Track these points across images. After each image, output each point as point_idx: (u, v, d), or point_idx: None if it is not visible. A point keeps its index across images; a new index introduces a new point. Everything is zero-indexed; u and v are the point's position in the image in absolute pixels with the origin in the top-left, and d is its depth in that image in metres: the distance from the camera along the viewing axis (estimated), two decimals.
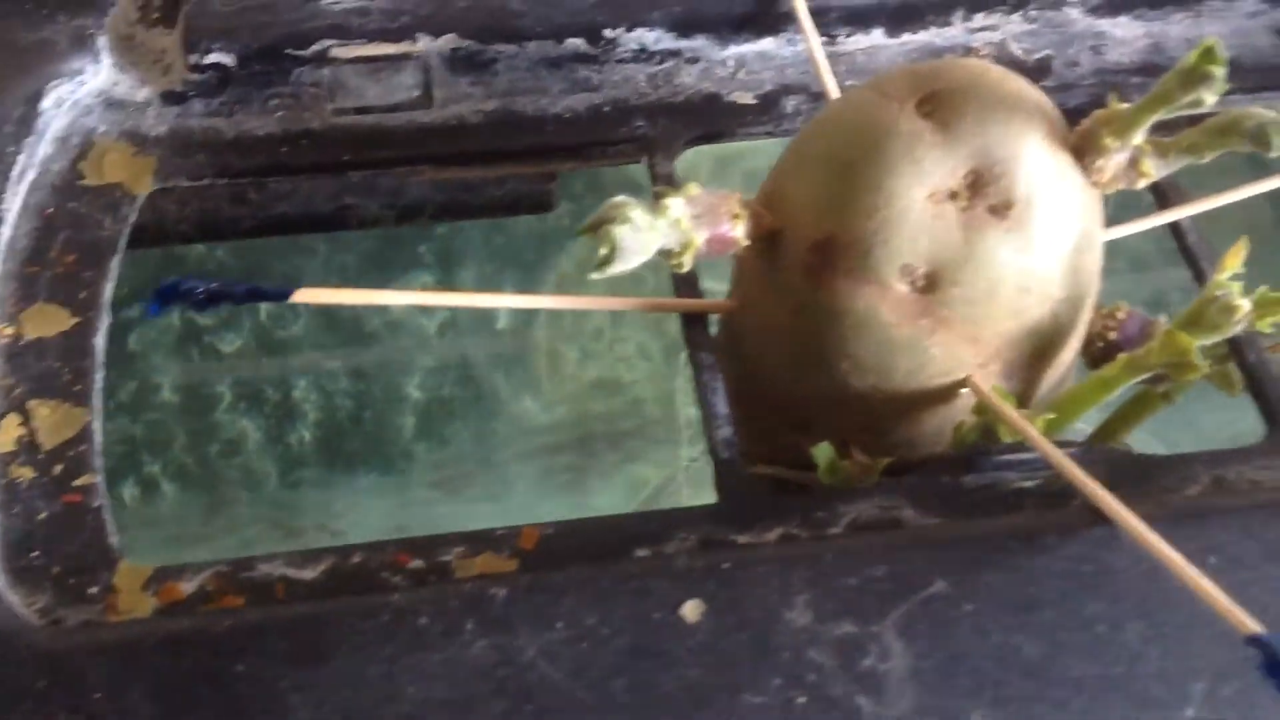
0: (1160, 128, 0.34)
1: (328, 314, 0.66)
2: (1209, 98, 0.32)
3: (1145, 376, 0.35)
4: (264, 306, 0.66)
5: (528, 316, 0.67)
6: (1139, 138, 0.34)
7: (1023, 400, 0.36)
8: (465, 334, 0.66)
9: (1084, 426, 0.44)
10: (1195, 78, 0.31)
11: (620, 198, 0.31)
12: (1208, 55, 0.31)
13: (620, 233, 0.30)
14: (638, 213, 0.31)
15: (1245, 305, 0.34)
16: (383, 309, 0.66)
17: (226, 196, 0.51)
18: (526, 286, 0.66)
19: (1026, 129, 0.33)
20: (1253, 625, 0.27)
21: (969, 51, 0.43)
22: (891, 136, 0.33)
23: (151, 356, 0.65)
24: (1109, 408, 0.40)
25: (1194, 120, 0.34)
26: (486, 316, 0.66)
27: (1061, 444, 0.34)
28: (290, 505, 0.63)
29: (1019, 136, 0.33)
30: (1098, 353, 0.38)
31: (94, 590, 0.31)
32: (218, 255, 0.67)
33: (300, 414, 0.65)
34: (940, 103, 0.33)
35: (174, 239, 0.55)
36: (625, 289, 0.46)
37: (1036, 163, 0.33)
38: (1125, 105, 0.33)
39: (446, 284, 0.67)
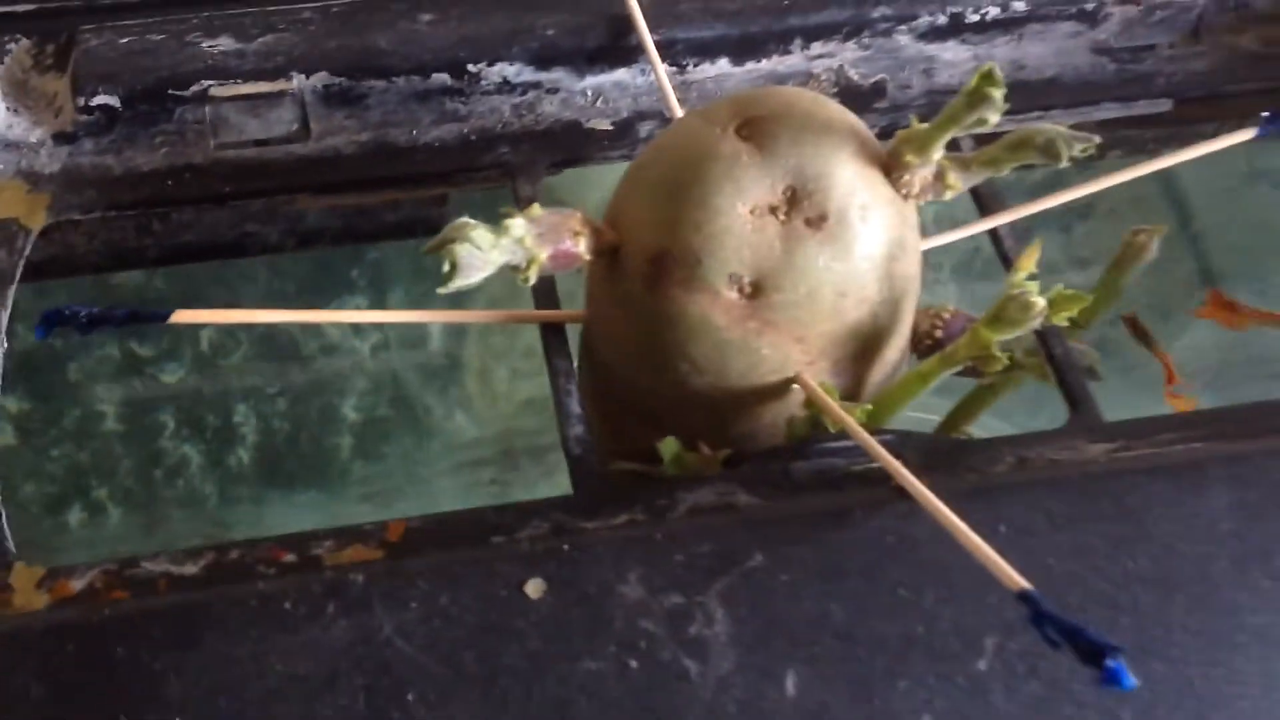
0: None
1: (266, 340, 0.69)
2: (992, 117, 0.35)
3: (957, 369, 0.39)
4: (205, 335, 0.69)
5: (459, 337, 0.70)
6: (938, 153, 0.37)
7: (853, 395, 0.40)
8: (398, 355, 0.69)
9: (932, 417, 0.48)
10: (978, 99, 0.35)
11: (463, 219, 0.34)
12: (987, 79, 0.35)
13: (461, 250, 0.34)
14: (479, 233, 0.34)
15: (1041, 303, 0.37)
16: (318, 332, 0.69)
17: (132, 228, 0.53)
18: (456, 306, 0.68)
19: (838, 148, 0.37)
20: (1021, 582, 0.30)
21: (810, 76, 0.47)
22: (714, 159, 0.37)
23: (94, 386, 0.67)
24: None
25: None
26: (419, 338, 0.69)
27: (878, 433, 0.37)
28: (228, 523, 0.66)
29: (830, 155, 0.37)
30: (925, 350, 0.42)
31: None
32: (156, 284, 0.70)
33: (239, 437, 0.68)
34: (758, 127, 0.37)
35: (84, 269, 0.57)
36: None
37: (847, 179, 0.37)
38: (924, 125, 0.37)
39: (378, 306, 0.69)
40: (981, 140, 0.41)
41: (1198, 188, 0.72)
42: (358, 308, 0.69)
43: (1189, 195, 0.72)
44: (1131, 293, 0.60)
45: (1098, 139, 0.37)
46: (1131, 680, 0.28)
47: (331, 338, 0.69)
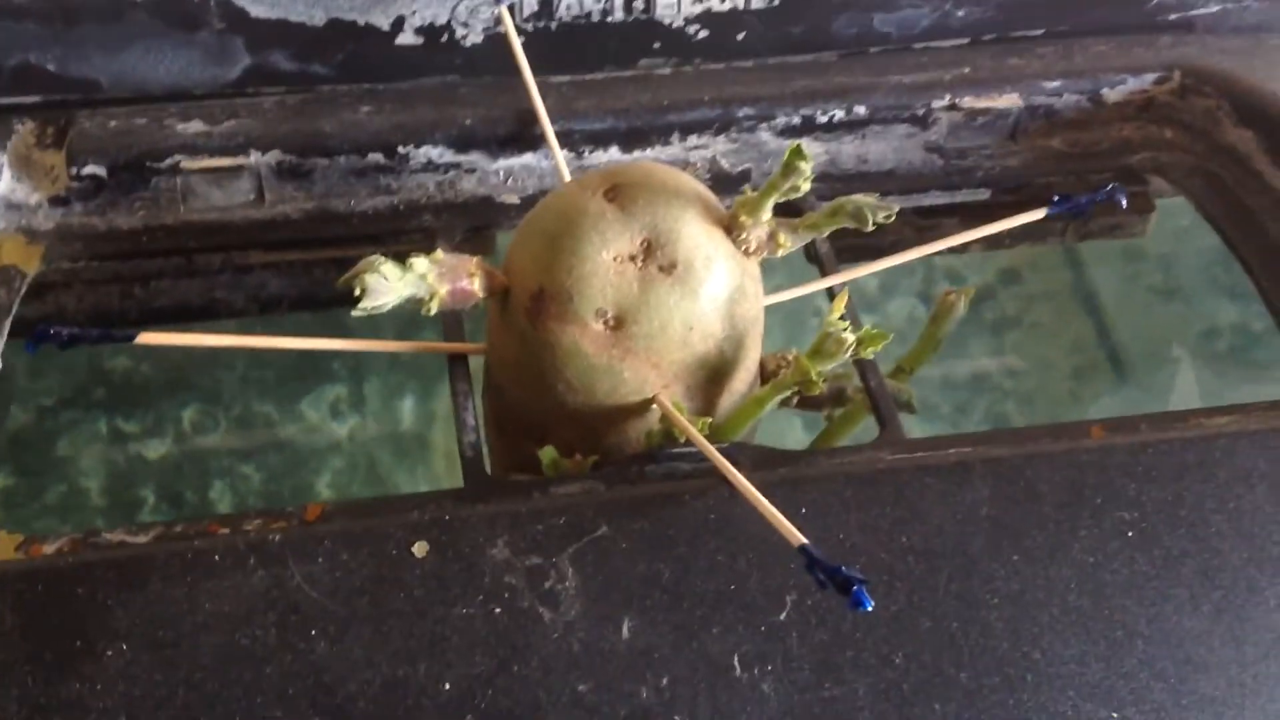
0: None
1: (245, 421, 0.74)
2: (803, 185, 0.44)
3: (786, 394, 0.47)
4: (186, 415, 0.74)
5: (428, 421, 0.76)
6: (767, 214, 0.46)
7: (706, 415, 0.48)
8: (372, 437, 0.75)
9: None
10: (790, 170, 0.44)
11: (375, 256, 0.43)
12: (796, 153, 0.44)
13: (370, 279, 0.42)
14: (388, 266, 0.43)
15: (850, 338, 0.45)
16: (296, 417, 0.75)
17: (116, 293, 0.61)
18: (428, 393, 0.75)
19: (686, 210, 0.45)
20: (801, 538, 0.38)
21: (687, 164, 0.56)
22: (584, 215, 0.45)
23: (80, 461, 0.73)
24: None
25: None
26: (391, 422, 0.75)
27: (718, 443, 0.45)
28: None
29: (680, 214, 0.45)
30: None
31: None
32: (143, 370, 0.76)
33: (216, 513, 0.72)
34: (621, 191, 0.46)
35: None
36: None
37: (694, 234, 0.45)
38: (754, 193, 0.46)
39: (356, 395, 0.75)
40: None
41: (1109, 295, 0.83)
42: (337, 396, 0.76)
43: (1104, 301, 0.83)
44: (1053, 378, 0.71)
45: (897, 207, 0.45)
46: (870, 602, 0.35)
47: (310, 421, 0.75)
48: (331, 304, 0.64)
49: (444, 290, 0.45)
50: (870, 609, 0.35)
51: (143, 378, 0.76)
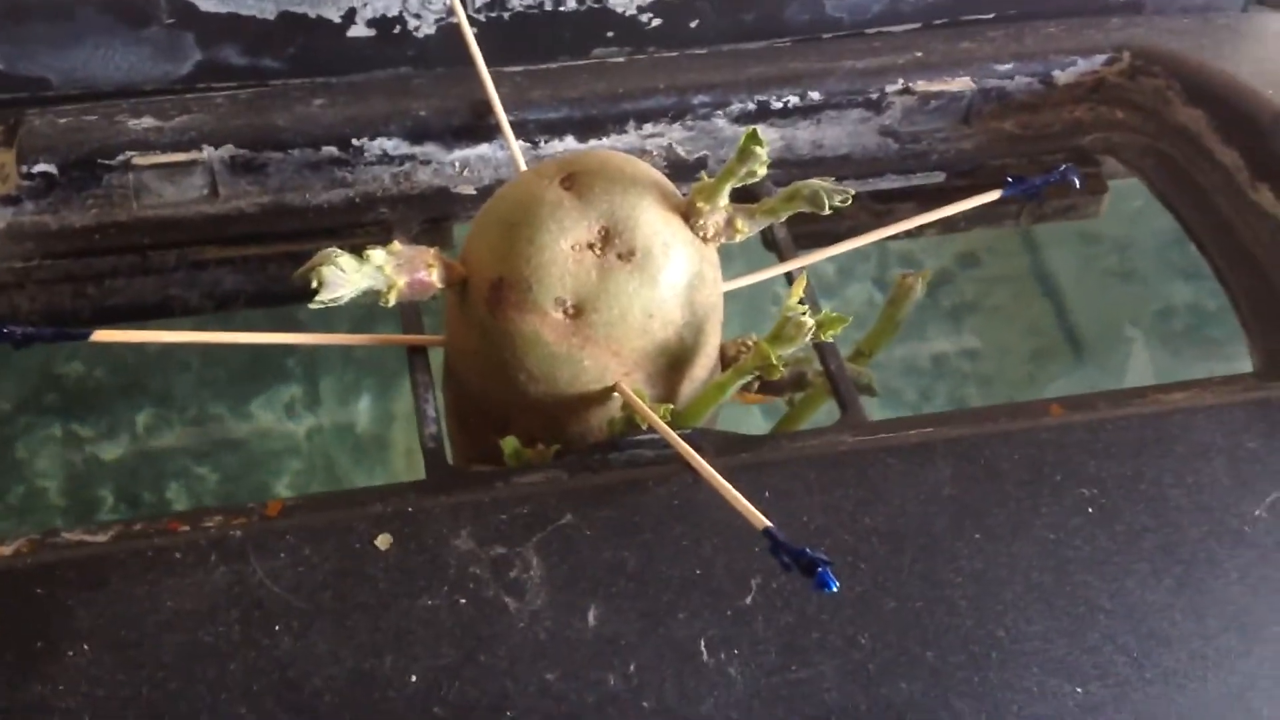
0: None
1: (201, 424, 0.74)
2: (759, 169, 0.44)
3: (747, 379, 0.47)
4: (140, 418, 0.74)
5: (387, 421, 0.76)
6: (724, 201, 0.46)
7: (668, 402, 0.48)
8: (329, 437, 0.74)
9: None
10: (746, 155, 0.44)
11: (332, 249, 0.43)
12: (752, 138, 0.44)
13: (327, 271, 0.42)
14: (344, 259, 0.42)
15: (810, 322, 0.45)
16: (250, 417, 0.75)
17: (69, 292, 0.60)
18: (384, 393, 0.74)
19: (643, 197, 0.45)
20: (765, 521, 0.38)
21: (643, 152, 0.56)
22: (541, 204, 0.45)
23: (37, 463, 0.72)
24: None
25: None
26: (350, 422, 0.75)
27: (682, 431, 0.45)
28: None
29: (636, 203, 0.45)
30: None
31: None
32: (96, 375, 0.75)
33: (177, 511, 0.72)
34: (577, 180, 0.45)
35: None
36: None
37: (652, 221, 0.45)
38: (711, 179, 0.46)
39: (311, 394, 0.75)
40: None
41: (1066, 278, 0.84)
42: (292, 396, 0.76)
43: (1061, 283, 0.84)
44: (1012, 360, 0.72)
45: (853, 191, 0.46)
46: (835, 583, 0.35)
47: (264, 423, 0.75)
48: (288, 300, 0.64)
49: (402, 282, 0.45)
50: (835, 590, 0.35)
51: (96, 382, 0.76)
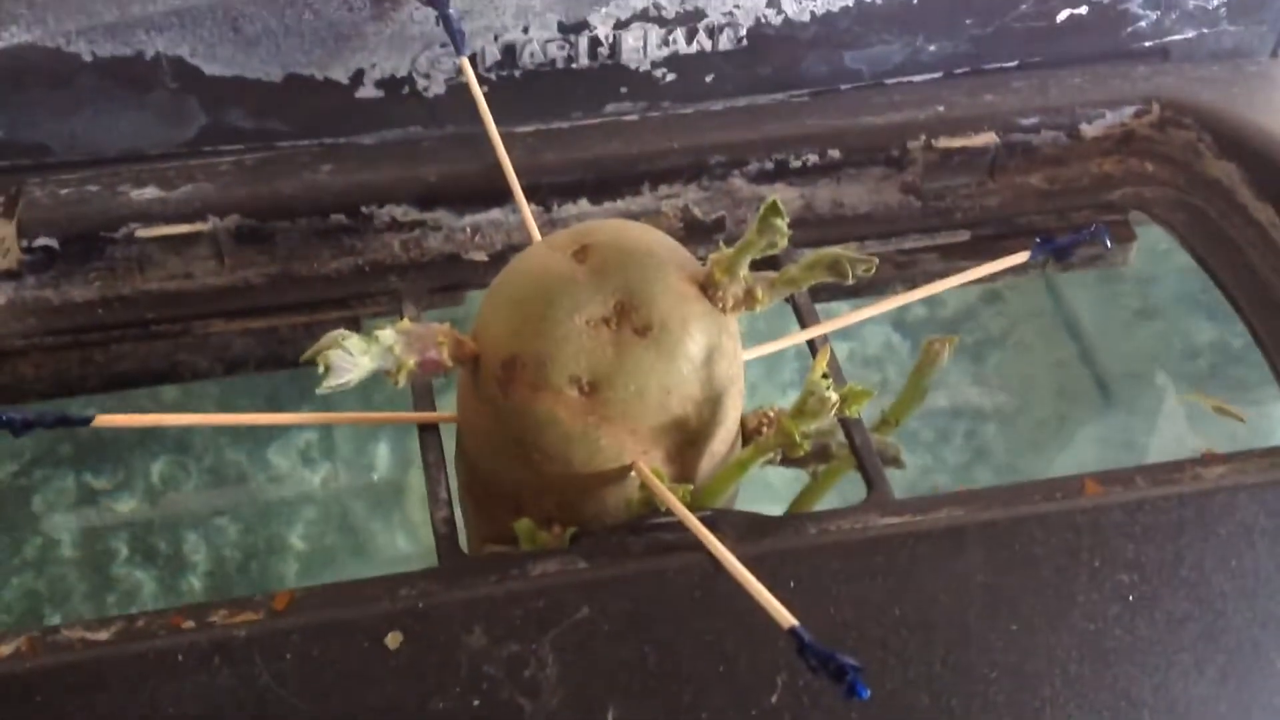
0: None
1: (216, 472, 0.73)
2: (780, 241, 0.43)
3: (769, 456, 0.46)
4: (156, 469, 0.73)
5: (404, 466, 0.75)
6: (743, 271, 0.44)
7: (686, 481, 0.46)
8: (345, 485, 0.73)
9: None
10: (765, 228, 0.42)
11: (339, 330, 0.41)
12: (772, 209, 0.42)
13: (333, 355, 0.40)
14: (352, 341, 0.41)
15: (834, 397, 0.44)
16: (266, 465, 0.74)
17: (76, 359, 0.59)
18: (399, 440, 0.73)
19: (659, 269, 0.44)
20: (791, 620, 0.37)
21: (659, 214, 0.55)
22: (554, 278, 0.44)
23: (53, 516, 0.71)
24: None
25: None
26: (367, 467, 0.74)
27: (701, 511, 0.44)
28: None
29: (654, 275, 0.44)
30: None
31: None
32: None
33: (190, 565, 0.70)
34: (591, 252, 0.44)
35: (32, 397, 0.63)
36: None
37: (668, 294, 0.44)
38: (730, 250, 0.44)
39: (326, 441, 0.74)
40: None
41: (1089, 317, 0.82)
42: (306, 443, 0.75)
43: (1084, 323, 0.82)
44: (1039, 405, 0.70)
45: (876, 261, 0.44)
46: (866, 691, 0.34)
47: (279, 470, 0.74)
48: (299, 363, 0.63)
49: (412, 362, 0.43)
50: (867, 698, 0.34)
51: (109, 430, 0.75)
